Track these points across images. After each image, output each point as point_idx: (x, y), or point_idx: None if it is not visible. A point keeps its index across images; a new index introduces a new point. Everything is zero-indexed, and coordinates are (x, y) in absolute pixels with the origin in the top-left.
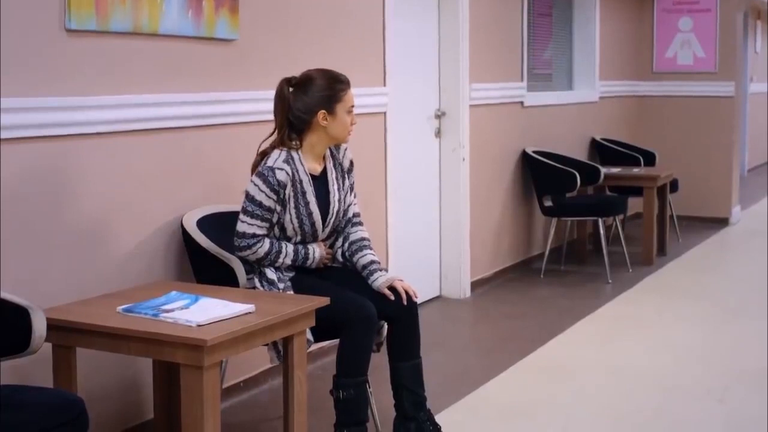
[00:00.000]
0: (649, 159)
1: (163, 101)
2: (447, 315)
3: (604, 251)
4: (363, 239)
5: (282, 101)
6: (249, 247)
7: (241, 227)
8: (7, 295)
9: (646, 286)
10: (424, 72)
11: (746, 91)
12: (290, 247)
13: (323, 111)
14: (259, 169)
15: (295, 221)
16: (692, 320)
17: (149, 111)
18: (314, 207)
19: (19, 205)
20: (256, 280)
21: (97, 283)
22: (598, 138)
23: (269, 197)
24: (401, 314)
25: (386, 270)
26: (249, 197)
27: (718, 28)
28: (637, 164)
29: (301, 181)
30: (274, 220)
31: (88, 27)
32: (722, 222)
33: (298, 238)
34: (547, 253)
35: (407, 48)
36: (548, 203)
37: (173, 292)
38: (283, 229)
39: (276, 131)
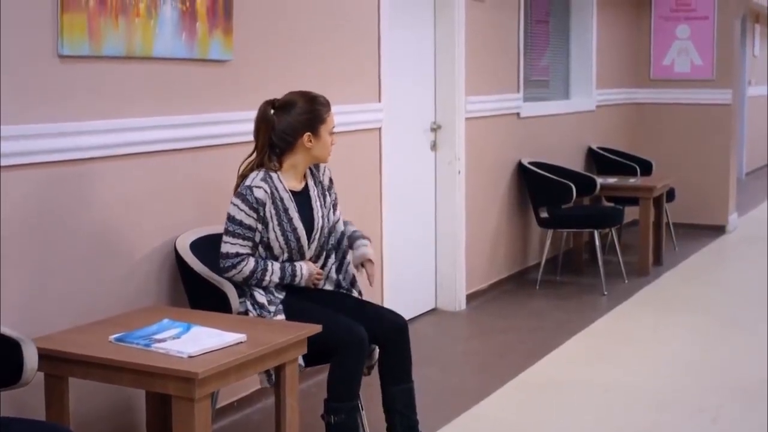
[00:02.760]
0: (646, 168)
1: (157, 124)
2: (442, 329)
3: (600, 262)
4: (356, 230)
5: (265, 123)
6: (234, 266)
7: (224, 248)
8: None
9: (642, 299)
10: (420, 85)
11: (744, 96)
12: (276, 265)
13: (308, 133)
14: (240, 189)
15: (281, 238)
16: (688, 334)
17: (143, 134)
18: (298, 222)
19: (13, 231)
20: (248, 304)
21: (92, 307)
22: (594, 147)
23: (249, 215)
24: (392, 337)
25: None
26: (230, 218)
27: (716, 36)
28: (634, 173)
29: (281, 198)
30: (257, 239)
31: (81, 52)
32: (719, 230)
33: (285, 255)
34: (542, 263)
35: (403, 62)
36: (544, 215)
37: (165, 320)
38: (268, 247)
39: (255, 153)
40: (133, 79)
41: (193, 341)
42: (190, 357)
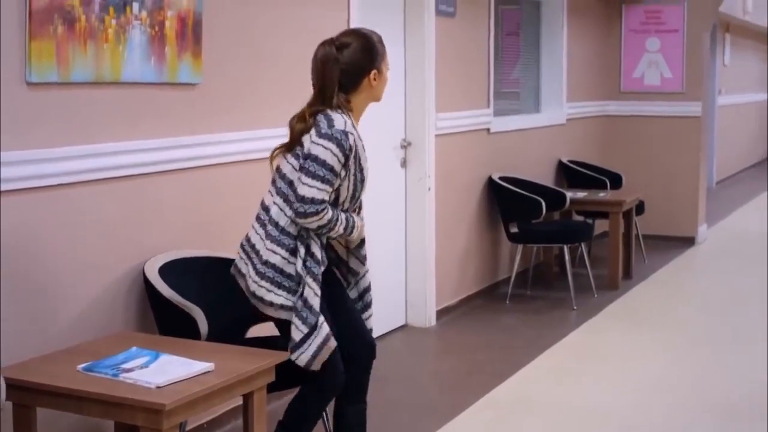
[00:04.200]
0: (616, 181)
1: (127, 149)
2: (412, 346)
3: (569, 277)
4: None
5: (332, 63)
6: (317, 212)
7: (309, 192)
8: None
9: (611, 313)
10: (390, 102)
11: (714, 107)
12: (343, 216)
13: (375, 70)
14: (328, 131)
15: (350, 188)
16: (656, 351)
17: (113, 159)
18: (367, 173)
19: None
20: (299, 263)
21: (59, 334)
22: (565, 160)
23: (339, 162)
24: (361, 356)
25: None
26: (320, 161)
27: (685, 49)
28: (604, 187)
29: (359, 147)
30: (335, 186)
31: (50, 79)
32: (688, 241)
33: (344, 206)
34: (513, 278)
35: None
36: (514, 230)
37: (133, 348)
38: (336, 196)
39: (323, 97)
40: (102, 104)
41: (161, 371)
42: (158, 387)
